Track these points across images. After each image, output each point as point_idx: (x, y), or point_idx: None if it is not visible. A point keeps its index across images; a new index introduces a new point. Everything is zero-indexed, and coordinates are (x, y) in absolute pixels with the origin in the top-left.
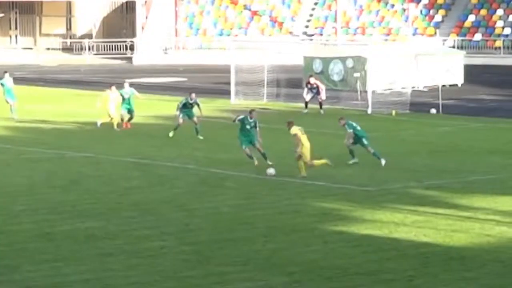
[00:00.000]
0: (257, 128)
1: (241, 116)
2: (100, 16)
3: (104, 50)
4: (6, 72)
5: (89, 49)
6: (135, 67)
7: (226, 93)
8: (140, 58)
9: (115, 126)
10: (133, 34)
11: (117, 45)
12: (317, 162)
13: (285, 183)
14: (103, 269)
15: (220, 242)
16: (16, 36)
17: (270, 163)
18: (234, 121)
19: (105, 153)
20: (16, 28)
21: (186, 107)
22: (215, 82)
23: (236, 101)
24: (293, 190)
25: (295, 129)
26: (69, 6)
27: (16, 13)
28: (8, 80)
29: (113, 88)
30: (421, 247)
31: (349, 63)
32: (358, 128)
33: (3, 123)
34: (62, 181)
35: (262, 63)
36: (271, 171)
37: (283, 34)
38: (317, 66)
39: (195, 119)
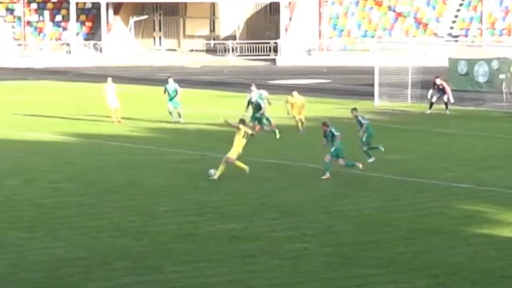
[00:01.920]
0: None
1: None
2: (244, 17)
3: (248, 51)
4: (170, 77)
5: (232, 50)
6: (279, 68)
7: (369, 95)
8: (283, 60)
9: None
10: (276, 36)
11: (261, 47)
12: (238, 163)
13: (429, 185)
14: (245, 271)
15: (363, 244)
16: (160, 38)
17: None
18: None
19: (247, 154)
20: (160, 30)
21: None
22: (358, 84)
23: (380, 103)
24: (437, 193)
25: (241, 127)
26: (213, 7)
27: (160, 15)
28: (171, 85)
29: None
30: None
31: (495, 64)
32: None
33: (146, 125)
34: (204, 182)
35: (406, 65)
36: (210, 172)
37: (427, 36)
38: (462, 67)
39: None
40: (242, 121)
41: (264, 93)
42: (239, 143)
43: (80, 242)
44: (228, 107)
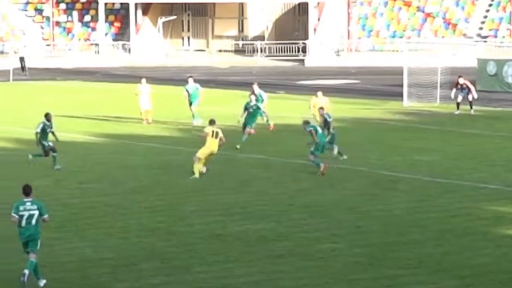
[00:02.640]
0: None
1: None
2: (272, 17)
3: (276, 52)
4: (190, 77)
5: (261, 51)
6: (307, 69)
7: (398, 96)
8: (312, 60)
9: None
10: (305, 36)
11: (289, 47)
12: (198, 163)
13: (458, 186)
14: (274, 271)
15: (392, 244)
16: (188, 38)
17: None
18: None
19: (275, 155)
20: (188, 30)
21: (248, 112)
22: (387, 84)
23: (409, 104)
24: (465, 193)
25: (207, 128)
26: (241, 8)
27: (188, 15)
28: (191, 85)
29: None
30: None
31: None
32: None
33: (175, 125)
34: (233, 183)
35: (435, 65)
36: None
37: (456, 36)
38: (491, 68)
39: (251, 130)
40: (211, 122)
41: (264, 95)
42: (209, 143)
43: (108, 242)
44: None
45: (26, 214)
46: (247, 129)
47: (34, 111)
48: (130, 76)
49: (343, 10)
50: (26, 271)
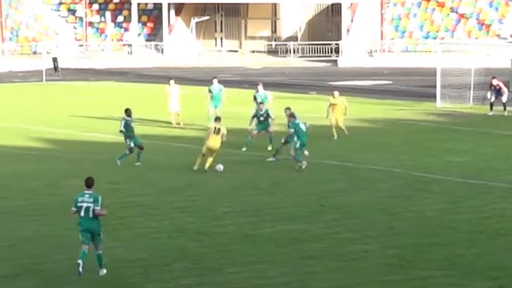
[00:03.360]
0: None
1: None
2: (305, 18)
3: (309, 52)
4: (214, 78)
5: (294, 51)
6: (340, 69)
7: (431, 96)
8: (345, 61)
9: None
10: (338, 37)
11: (322, 48)
12: (201, 158)
13: (491, 188)
14: (305, 272)
15: (424, 246)
16: (221, 39)
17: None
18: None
19: (308, 156)
20: (221, 31)
21: (258, 120)
22: (420, 85)
23: (442, 105)
24: (498, 195)
25: (211, 124)
26: (274, 8)
27: (221, 16)
28: (215, 85)
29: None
30: None
31: None
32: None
33: (206, 126)
34: (265, 184)
35: (469, 66)
36: (219, 167)
37: (490, 37)
38: None
39: (269, 129)
40: (216, 119)
41: (269, 95)
42: (210, 139)
43: (140, 243)
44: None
45: (84, 205)
46: (254, 132)
47: (66, 111)
48: (162, 76)
49: (376, 10)
50: (104, 271)
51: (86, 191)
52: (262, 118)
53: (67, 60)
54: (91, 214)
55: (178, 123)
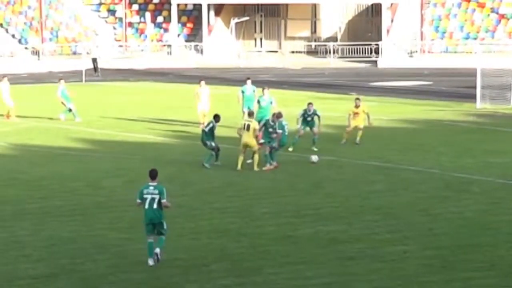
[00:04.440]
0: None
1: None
2: (345, 19)
3: (349, 53)
4: (248, 78)
5: (333, 52)
6: (380, 70)
7: (471, 97)
8: (385, 62)
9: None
10: (378, 37)
11: (362, 48)
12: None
13: None
14: (345, 273)
15: (464, 247)
16: (261, 39)
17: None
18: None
19: (348, 156)
20: (261, 31)
21: (305, 119)
22: (460, 86)
23: (482, 105)
24: None
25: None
26: (314, 9)
27: (261, 16)
28: (249, 87)
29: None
30: None
31: None
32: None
33: None
34: (305, 184)
35: (509, 67)
36: (315, 158)
37: None
38: None
39: (314, 129)
40: (249, 114)
41: (274, 101)
42: (243, 135)
43: (179, 243)
44: (327, 109)
45: (149, 197)
46: (314, 129)
47: (106, 112)
48: (202, 77)
49: (416, 11)
50: (158, 250)
51: (150, 183)
52: (309, 118)
53: (107, 60)
54: (155, 205)
55: (204, 124)
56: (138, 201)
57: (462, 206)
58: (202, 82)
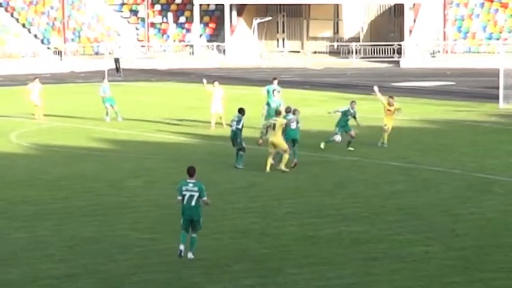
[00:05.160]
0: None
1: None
2: (368, 19)
3: (371, 53)
4: (275, 78)
5: (356, 52)
6: (402, 70)
7: (494, 98)
8: (407, 62)
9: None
10: (400, 38)
11: (384, 49)
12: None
13: None
14: (367, 274)
15: (486, 248)
16: (283, 40)
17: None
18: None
19: (370, 157)
20: (283, 31)
21: (345, 116)
22: (483, 86)
23: (505, 106)
24: None
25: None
26: (336, 9)
27: (283, 16)
28: (275, 87)
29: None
30: None
31: None
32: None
33: None
34: (327, 184)
35: None
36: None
37: None
38: None
39: (351, 133)
40: (276, 113)
41: (282, 105)
42: (271, 135)
43: (201, 243)
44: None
45: (187, 194)
46: (351, 132)
47: (128, 112)
48: (224, 77)
49: (439, 11)
50: (190, 255)
51: (189, 180)
52: (350, 117)
53: (129, 60)
54: (193, 202)
55: (221, 124)
56: (179, 197)
57: (485, 207)
58: (216, 83)
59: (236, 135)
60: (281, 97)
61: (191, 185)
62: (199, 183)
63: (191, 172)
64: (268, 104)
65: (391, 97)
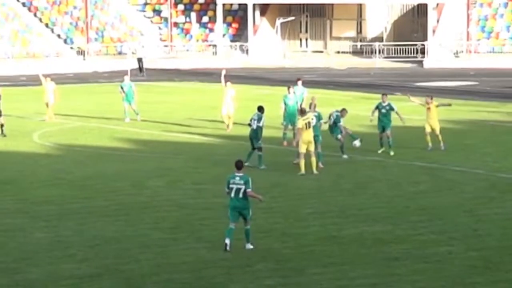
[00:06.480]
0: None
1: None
2: (391, 19)
3: (394, 53)
4: (299, 79)
5: (379, 52)
6: (426, 70)
7: None
8: (431, 62)
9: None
10: (424, 38)
11: (408, 49)
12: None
13: None
14: (389, 274)
15: (509, 248)
16: (306, 40)
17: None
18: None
19: (392, 157)
20: (306, 31)
21: (380, 111)
22: (506, 86)
23: None
24: None
25: (299, 123)
26: (360, 9)
27: (306, 16)
28: (299, 88)
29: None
30: None
31: None
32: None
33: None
34: (350, 184)
35: None
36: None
37: None
38: None
39: (388, 132)
40: (302, 112)
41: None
42: (304, 134)
43: (222, 243)
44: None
45: (234, 187)
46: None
47: (150, 112)
48: (247, 77)
49: (463, 11)
50: (249, 245)
51: (236, 173)
52: (384, 110)
53: (152, 60)
54: (241, 195)
55: (228, 125)
56: (227, 190)
57: (508, 207)
58: (228, 83)
59: (256, 133)
60: (305, 97)
61: (238, 178)
62: (245, 176)
63: (239, 165)
64: (284, 103)
65: (428, 96)
